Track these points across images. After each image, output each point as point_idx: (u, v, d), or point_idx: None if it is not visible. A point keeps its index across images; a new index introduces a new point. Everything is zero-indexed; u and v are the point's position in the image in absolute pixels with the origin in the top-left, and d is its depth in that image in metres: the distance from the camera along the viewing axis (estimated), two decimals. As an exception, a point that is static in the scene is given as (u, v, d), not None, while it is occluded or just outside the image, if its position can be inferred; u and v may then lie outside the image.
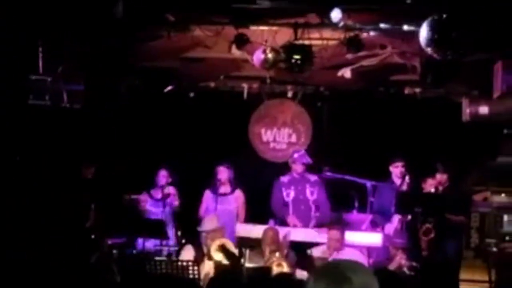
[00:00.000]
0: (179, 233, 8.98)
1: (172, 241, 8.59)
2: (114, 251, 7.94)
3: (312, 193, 8.83)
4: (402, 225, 8.19)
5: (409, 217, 8.15)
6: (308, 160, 8.87)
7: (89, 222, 8.64)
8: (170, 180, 8.95)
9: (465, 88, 9.07)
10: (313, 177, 8.91)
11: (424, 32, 6.56)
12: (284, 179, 8.97)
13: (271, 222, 8.90)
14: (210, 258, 7.34)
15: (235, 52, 8.12)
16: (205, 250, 7.58)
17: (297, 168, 8.85)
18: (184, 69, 9.60)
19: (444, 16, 6.47)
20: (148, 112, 10.16)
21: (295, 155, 8.96)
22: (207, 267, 7.28)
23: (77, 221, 8.49)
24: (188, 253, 7.71)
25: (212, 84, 10.16)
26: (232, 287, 5.51)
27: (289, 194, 8.85)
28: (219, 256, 7.26)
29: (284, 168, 10.19)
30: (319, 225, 8.49)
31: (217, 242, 7.39)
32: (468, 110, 8.77)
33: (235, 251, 7.39)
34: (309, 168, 8.93)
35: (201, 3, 7.16)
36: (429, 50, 6.67)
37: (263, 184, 9.52)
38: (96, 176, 9.02)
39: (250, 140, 10.53)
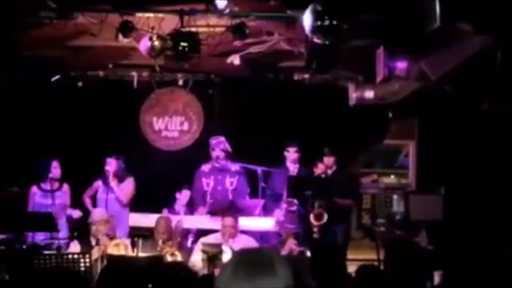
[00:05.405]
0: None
1: (63, 234, 8.41)
2: (2, 247, 7.67)
3: (231, 183, 8.76)
4: (291, 210, 8.32)
5: (295, 201, 8.26)
6: (226, 147, 8.73)
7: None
8: (60, 172, 8.74)
9: (351, 73, 9.30)
10: (234, 167, 8.82)
11: (307, 19, 6.66)
12: (205, 168, 8.87)
13: (165, 211, 8.88)
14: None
15: (122, 40, 7.96)
16: (93, 242, 7.52)
17: (216, 155, 8.71)
18: (71, 58, 9.36)
19: (326, 2, 6.59)
20: (36, 103, 9.86)
21: (213, 141, 8.81)
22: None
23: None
24: (74, 248, 7.60)
25: (101, 73, 9.96)
26: (124, 276, 5.47)
27: (209, 184, 8.77)
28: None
29: (177, 156, 10.23)
30: (212, 212, 8.51)
31: (113, 242, 7.45)
32: (354, 95, 9.02)
33: (130, 251, 7.32)
34: (230, 157, 8.79)
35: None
36: (313, 36, 6.78)
37: (156, 172, 9.50)
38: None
39: (141, 129, 10.40)
